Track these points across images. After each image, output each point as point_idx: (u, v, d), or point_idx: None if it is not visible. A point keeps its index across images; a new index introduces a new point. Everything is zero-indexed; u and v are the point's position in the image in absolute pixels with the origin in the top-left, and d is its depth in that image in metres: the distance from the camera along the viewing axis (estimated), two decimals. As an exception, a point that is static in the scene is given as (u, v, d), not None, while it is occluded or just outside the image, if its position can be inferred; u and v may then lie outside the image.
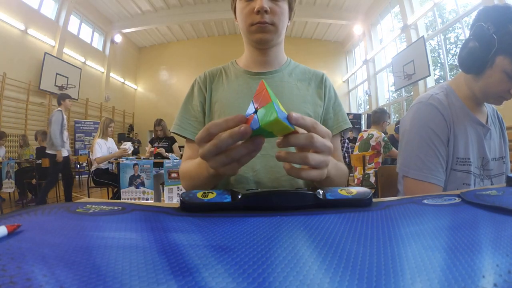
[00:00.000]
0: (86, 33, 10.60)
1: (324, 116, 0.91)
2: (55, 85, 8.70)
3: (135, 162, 3.33)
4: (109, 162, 3.90)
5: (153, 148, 4.18)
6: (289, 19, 0.90)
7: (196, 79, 0.95)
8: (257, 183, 0.82)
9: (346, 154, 5.69)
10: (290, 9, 0.88)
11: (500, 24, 0.84)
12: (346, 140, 6.47)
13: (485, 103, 1.03)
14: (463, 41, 0.94)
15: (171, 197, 3.21)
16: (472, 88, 0.96)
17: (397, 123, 6.02)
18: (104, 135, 3.94)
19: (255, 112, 0.42)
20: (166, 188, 3.24)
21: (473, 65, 0.91)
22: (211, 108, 0.90)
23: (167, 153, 4.06)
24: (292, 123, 0.43)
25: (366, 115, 10.47)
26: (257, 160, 0.82)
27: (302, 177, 0.48)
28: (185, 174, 0.80)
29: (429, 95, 0.99)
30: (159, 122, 4.37)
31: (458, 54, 0.96)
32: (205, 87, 0.92)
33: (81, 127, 9.88)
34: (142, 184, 3.29)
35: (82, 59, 10.21)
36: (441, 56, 8.01)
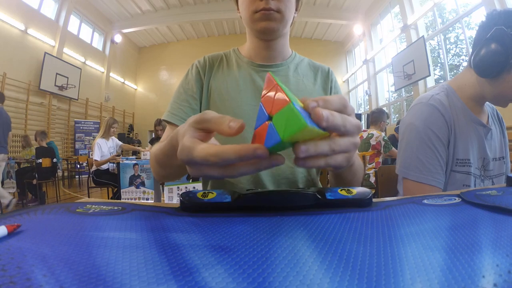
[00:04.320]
0: (86, 33, 10.59)
1: None
2: (55, 85, 8.68)
3: (135, 162, 3.33)
4: (109, 162, 3.91)
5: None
6: (296, 10, 0.83)
7: (194, 63, 0.88)
8: (256, 184, 0.79)
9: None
10: None
11: None
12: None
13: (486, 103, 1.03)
14: (479, 44, 0.90)
15: (171, 197, 3.21)
16: (483, 90, 0.93)
17: (398, 123, 6.02)
18: (106, 135, 3.94)
19: (269, 119, 0.31)
20: (166, 188, 3.23)
21: (492, 68, 0.87)
22: (209, 97, 0.84)
23: None
24: (324, 126, 0.30)
25: (366, 115, 10.46)
26: None
27: (330, 165, 0.33)
28: (152, 158, 0.67)
29: (430, 96, 0.98)
30: (159, 122, 4.37)
31: (473, 56, 0.91)
32: (204, 73, 0.86)
33: (81, 127, 9.87)
34: (142, 184, 3.29)
35: (82, 59, 10.19)
36: (441, 56, 7.99)
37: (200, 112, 0.84)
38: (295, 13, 0.82)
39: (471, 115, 0.95)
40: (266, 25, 0.76)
